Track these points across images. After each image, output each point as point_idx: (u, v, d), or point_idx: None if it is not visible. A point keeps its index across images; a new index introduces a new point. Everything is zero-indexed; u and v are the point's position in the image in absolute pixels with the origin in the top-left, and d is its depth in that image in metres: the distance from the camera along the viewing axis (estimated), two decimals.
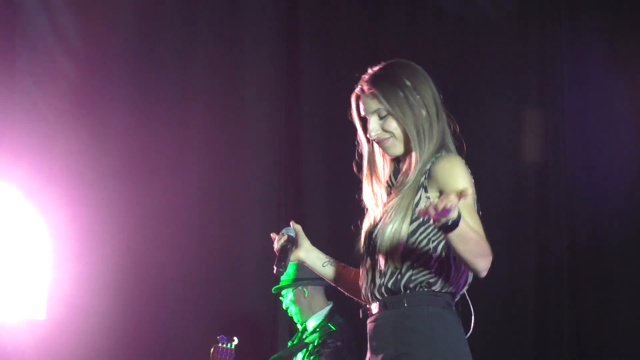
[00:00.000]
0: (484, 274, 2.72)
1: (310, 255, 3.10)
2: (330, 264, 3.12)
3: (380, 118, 2.91)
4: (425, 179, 2.80)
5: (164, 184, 5.66)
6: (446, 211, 2.46)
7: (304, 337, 5.08)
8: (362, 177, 3.03)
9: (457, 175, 2.77)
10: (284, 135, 5.96)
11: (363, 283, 2.90)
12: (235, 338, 4.83)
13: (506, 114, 5.89)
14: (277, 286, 5.14)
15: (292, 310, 5.12)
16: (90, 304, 5.45)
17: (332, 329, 4.96)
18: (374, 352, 2.83)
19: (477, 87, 5.89)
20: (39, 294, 5.41)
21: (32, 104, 5.46)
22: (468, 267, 2.72)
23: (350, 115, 3.04)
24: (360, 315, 2.94)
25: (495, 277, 5.65)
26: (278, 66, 5.97)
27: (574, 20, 5.94)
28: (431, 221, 2.56)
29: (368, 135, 2.94)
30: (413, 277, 2.78)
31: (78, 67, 5.56)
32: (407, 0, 6.06)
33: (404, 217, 2.77)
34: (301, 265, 5.11)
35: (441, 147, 2.86)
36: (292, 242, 3.07)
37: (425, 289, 2.78)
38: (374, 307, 2.86)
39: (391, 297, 2.79)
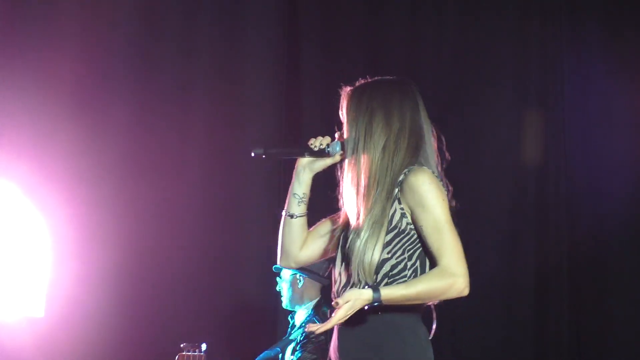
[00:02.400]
0: (464, 293, 2.80)
1: (307, 175, 3.15)
2: (304, 203, 3.16)
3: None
4: (398, 191, 2.86)
5: (163, 183, 5.66)
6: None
7: (291, 332, 5.10)
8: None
9: (425, 192, 2.81)
10: (284, 135, 5.96)
11: (336, 285, 2.96)
12: (204, 344, 4.84)
13: (506, 114, 5.90)
14: (278, 266, 5.16)
15: (284, 293, 5.14)
16: (89, 301, 5.45)
17: (316, 322, 4.98)
18: (341, 355, 2.88)
19: (477, 87, 5.90)
20: (38, 291, 5.41)
21: (32, 102, 5.46)
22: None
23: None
24: (328, 315, 2.98)
25: (495, 277, 5.67)
26: (278, 66, 5.97)
27: (574, 20, 5.94)
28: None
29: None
30: (388, 285, 2.82)
31: (78, 65, 5.56)
32: (408, 1, 6.06)
33: (378, 233, 2.83)
34: None
35: (413, 161, 2.90)
36: (322, 154, 3.08)
37: None
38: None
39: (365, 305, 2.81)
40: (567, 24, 5.95)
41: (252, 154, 3.10)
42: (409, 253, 2.84)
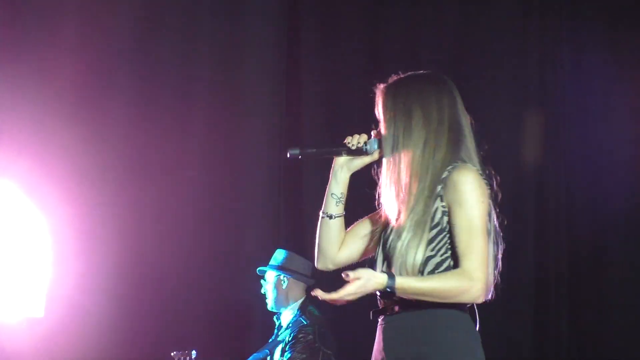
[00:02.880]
0: (478, 301, 2.79)
1: (345, 174, 3.09)
2: (342, 203, 3.11)
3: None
4: (441, 188, 2.82)
5: (163, 183, 5.65)
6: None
7: (279, 333, 5.10)
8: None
9: (467, 191, 2.78)
10: (283, 135, 5.96)
11: None
12: (194, 351, 4.83)
13: (506, 114, 5.89)
14: (263, 268, 5.15)
15: (269, 295, 5.13)
16: (89, 302, 5.44)
17: (303, 322, 4.98)
18: (387, 351, 2.85)
19: (477, 87, 5.89)
20: (37, 291, 5.41)
21: (32, 102, 5.46)
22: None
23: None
24: (371, 316, 2.94)
25: (495, 277, 5.67)
26: (278, 66, 5.96)
27: (574, 20, 5.93)
28: None
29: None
30: None
31: (78, 64, 5.56)
32: (407, 1, 6.06)
33: (422, 233, 2.79)
34: (293, 256, 5.13)
35: (455, 157, 2.86)
36: (360, 153, 3.03)
37: None
38: (390, 308, 2.86)
39: (411, 300, 2.79)
40: (567, 23, 5.94)
41: (288, 155, 3.05)
42: (451, 252, 2.80)
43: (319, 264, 3.13)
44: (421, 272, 2.78)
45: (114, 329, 5.47)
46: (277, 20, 5.99)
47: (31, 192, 5.41)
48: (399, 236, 2.81)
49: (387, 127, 2.94)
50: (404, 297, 2.72)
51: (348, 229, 3.08)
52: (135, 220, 5.56)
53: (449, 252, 2.80)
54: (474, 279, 2.73)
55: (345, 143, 3.06)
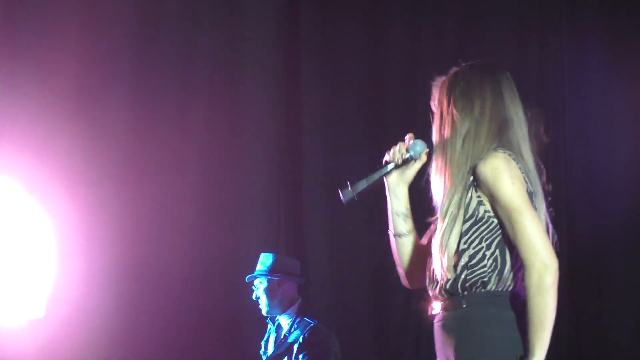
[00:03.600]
0: (553, 272, 2.82)
1: (402, 188, 3.03)
2: (409, 217, 3.02)
3: (435, 114, 2.96)
4: (473, 178, 2.78)
5: (164, 184, 5.65)
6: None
7: (282, 335, 5.08)
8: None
9: (492, 178, 2.73)
10: (283, 135, 5.96)
11: (427, 281, 2.88)
12: None
13: None
14: (252, 275, 5.14)
15: (262, 301, 5.11)
16: (89, 302, 5.44)
17: (310, 322, 4.98)
18: (437, 353, 2.83)
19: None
20: (38, 292, 5.40)
21: (32, 102, 5.45)
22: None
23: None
24: (429, 313, 2.90)
25: None
26: (278, 66, 5.96)
27: (574, 21, 5.94)
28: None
29: None
30: (467, 277, 2.75)
31: (79, 65, 5.55)
32: (408, 1, 6.06)
33: (453, 224, 2.76)
34: (281, 258, 5.12)
35: (493, 147, 2.81)
36: (408, 162, 2.97)
37: (482, 290, 2.75)
38: (437, 307, 2.84)
39: (450, 298, 2.77)
40: (567, 24, 5.95)
41: (344, 202, 3.01)
42: (487, 242, 2.74)
43: (410, 286, 3.04)
44: (455, 267, 2.74)
45: (115, 329, 5.47)
46: (277, 21, 5.99)
47: (31, 192, 5.41)
48: (437, 229, 2.78)
49: (435, 121, 2.92)
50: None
51: (425, 240, 2.97)
52: (136, 220, 5.56)
53: (484, 243, 2.74)
54: (533, 266, 2.70)
55: (388, 161, 3.00)
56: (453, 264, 2.75)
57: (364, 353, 5.77)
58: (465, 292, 2.75)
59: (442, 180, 2.83)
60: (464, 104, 2.86)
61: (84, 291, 5.44)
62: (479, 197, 2.76)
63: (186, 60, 5.82)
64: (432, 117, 2.95)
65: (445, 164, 2.83)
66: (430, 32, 6.04)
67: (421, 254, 2.94)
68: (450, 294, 2.77)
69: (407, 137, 2.99)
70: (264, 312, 5.11)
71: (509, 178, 2.72)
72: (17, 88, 5.42)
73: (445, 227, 2.75)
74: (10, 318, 5.33)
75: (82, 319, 5.41)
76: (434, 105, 2.96)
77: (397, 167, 2.97)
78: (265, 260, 5.12)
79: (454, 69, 2.97)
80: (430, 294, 2.85)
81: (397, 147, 2.99)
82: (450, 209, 2.76)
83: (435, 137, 2.90)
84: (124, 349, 5.49)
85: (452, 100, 2.88)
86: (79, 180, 5.48)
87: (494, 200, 2.72)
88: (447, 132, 2.86)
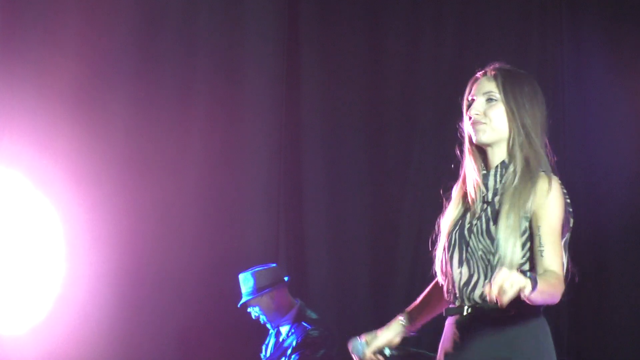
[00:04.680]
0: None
1: (393, 341, 3.04)
2: (407, 322, 3.06)
3: (488, 101, 2.90)
4: (529, 191, 2.79)
5: (164, 184, 5.65)
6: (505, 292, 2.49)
7: (280, 340, 5.09)
8: (464, 164, 2.96)
9: (553, 203, 2.78)
10: (283, 136, 5.96)
11: (452, 283, 2.85)
12: None
13: None
14: (243, 301, 5.15)
15: (264, 318, 5.13)
16: (90, 303, 5.44)
17: (306, 327, 4.99)
18: (463, 349, 2.80)
19: None
20: (38, 292, 5.41)
21: (32, 101, 5.45)
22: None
23: (461, 98, 3.00)
24: (444, 313, 2.91)
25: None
26: (278, 66, 5.96)
27: (574, 20, 5.93)
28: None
29: (468, 114, 2.90)
30: None
31: (79, 65, 5.56)
32: (408, 1, 6.06)
33: (517, 232, 2.76)
34: (260, 272, 5.12)
35: (539, 165, 2.86)
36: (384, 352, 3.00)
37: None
38: (466, 309, 2.82)
39: (496, 304, 2.69)
40: (567, 23, 5.94)
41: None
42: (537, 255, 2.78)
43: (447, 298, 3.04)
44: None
45: (115, 329, 5.47)
46: (277, 21, 5.99)
47: (31, 192, 5.41)
48: (504, 239, 2.75)
49: (498, 117, 2.87)
50: (532, 298, 2.59)
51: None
52: (136, 221, 5.56)
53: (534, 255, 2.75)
54: (562, 280, 2.72)
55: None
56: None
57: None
58: (514, 299, 2.70)
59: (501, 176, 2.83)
60: (528, 109, 2.87)
61: (86, 293, 5.44)
62: (525, 212, 2.77)
63: (186, 60, 5.82)
64: (466, 113, 2.93)
65: (517, 160, 2.83)
66: (430, 32, 6.04)
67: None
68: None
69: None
70: (270, 327, 5.14)
71: (563, 205, 2.80)
72: (21, 84, 5.43)
73: (513, 243, 2.74)
74: (9, 317, 5.33)
75: (85, 321, 5.42)
76: (494, 87, 2.91)
77: (390, 356, 3.01)
78: (247, 282, 5.12)
79: (503, 67, 2.97)
80: (460, 296, 2.83)
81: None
82: (515, 225, 2.76)
83: (495, 122, 2.86)
84: (123, 348, 5.49)
85: (516, 94, 2.88)
86: (78, 181, 5.48)
87: (539, 218, 2.74)
88: (499, 123, 2.85)
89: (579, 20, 5.92)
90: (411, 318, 3.05)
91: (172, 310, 5.63)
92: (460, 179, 2.97)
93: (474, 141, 2.89)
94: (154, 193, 5.63)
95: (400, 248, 5.85)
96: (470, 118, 2.89)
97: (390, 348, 3.01)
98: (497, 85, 2.90)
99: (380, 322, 5.72)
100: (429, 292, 3.06)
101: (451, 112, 5.82)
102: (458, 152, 3.00)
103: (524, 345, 2.75)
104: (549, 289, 2.63)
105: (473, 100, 2.92)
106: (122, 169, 5.59)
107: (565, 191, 2.84)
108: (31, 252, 5.40)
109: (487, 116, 2.87)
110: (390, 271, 5.75)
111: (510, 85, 2.89)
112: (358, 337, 3.03)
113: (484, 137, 2.87)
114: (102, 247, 5.49)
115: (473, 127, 2.88)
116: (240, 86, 5.89)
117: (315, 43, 6.04)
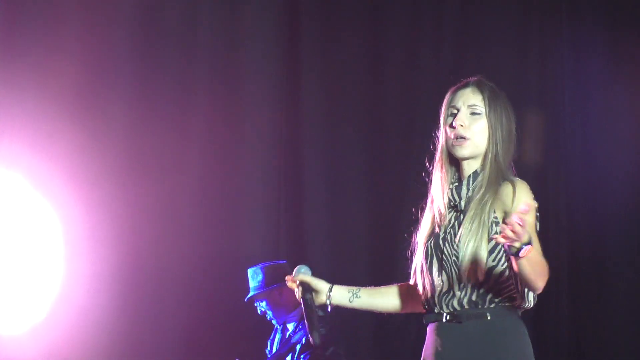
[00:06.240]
0: (539, 291, 2.79)
1: (334, 295, 3.08)
2: (358, 296, 3.12)
3: (472, 114, 2.94)
4: (492, 199, 2.83)
5: (164, 184, 5.66)
6: (519, 236, 2.52)
7: (286, 336, 5.09)
8: (433, 175, 3.00)
9: (524, 200, 2.80)
10: (284, 136, 5.96)
11: (432, 292, 2.89)
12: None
13: None
14: (251, 295, 5.14)
15: (271, 314, 5.13)
16: (90, 303, 5.44)
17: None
18: (444, 356, 2.85)
19: None
20: (38, 292, 5.41)
21: (32, 102, 5.46)
22: (527, 286, 2.77)
23: (443, 106, 3.03)
24: (424, 320, 2.94)
25: None
26: (278, 66, 5.97)
27: (574, 20, 5.93)
28: (504, 247, 2.62)
29: (454, 124, 2.93)
30: (497, 292, 2.80)
31: (79, 65, 5.56)
32: (408, 1, 6.06)
33: (482, 234, 2.79)
34: (269, 267, 5.11)
35: (507, 172, 2.90)
36: (309, 291, 3.01)
37: (507, 304, 2.83)
38: (445, 316, 2.86)
39: (472, 310, 2.81)
40: (567, 23, 5.94)
41: (316, 344, 2.98)
42: (508, 261, 2.80)
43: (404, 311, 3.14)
44: (485, 282, 2.80)
45: (115, 330, 5.47)
46: (278, 20, 5.99)
47: (31, 193, 5.41)
48: (465, 242, 2.80)
49: (480, 131, 2.92)
50: (522, 266, 2.63)
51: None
52: (135, 221, 5.56)
53: (507, 262, 2.78)
54: (547, 269, 2.74)
55: (304, 306, 3.02)
56: (482, 278, 2.79)
57: (364, 351, 5.77)
58: (492, 305, 2.81)
59: (468, 185, 2.89)
60: (507, 124, 2.92)
61: (87, 293, 5.44)
62: (495, 217, 2.82)
63: (186, 61, 5.83)
64: (445, 118, 2.98)
65: (486, 171, 2.88)
66: (430, 32, 6.04)
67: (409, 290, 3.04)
68: (475, 304, 2.81)
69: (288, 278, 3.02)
70: (275, 323, 5.13)
71: (533, 203, 2.82)
72: (20, 86, 5.43)
73: (477, 245, 2.79)
74: (13, 321, 5.33)
75: (85, 321, 5.42)
76: (479, 101, 2.95)
77: (310, 297, 3.00)
78: (255, 276, 5.12)
79: (485, 81, 3.02)
80: (439, 303, 2.86)
81: (295, 290, 3.01)
82: (480, 227, 2.80)
83: (477, 137, 2.91)
84: (123, 349, 5.49)
85: (499, 110, 2.93)
86: (78, 181, 5.49)
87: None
88: (480, 138, 2.91)
89: (579, 20, 5.91)
90: (355, 296, 3.09)
91: (172, 310, 5.63)
92: (432, 192, 3.00)
93: (455, 154, 2.94)
94: (154, 193, 5.63)
95: (400, 248, 5.84)
96: (452, 128, 2.93)
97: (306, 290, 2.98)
98: (483, 100, 2.95)
99: (380, 321, 5.74)
100: (386, 288, 3.15)
101: (450, 111, 5.80)
102: (427, 163, 3.06)
103: (506, 349, 2.81)
104: (539, 264, 2.67)
105: (455, 110, 2.96)
106: (122, 169, 5.60)
107: (532, 196, 2.87)
108: (31, 252, 5.40)
109: (471, 129, 2.91)
110: (390, 271, 5.74)
111: (493, 101, 2.94)
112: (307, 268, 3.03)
113: (466, 152, 2.93)
114: (102, 247, 5.49)
115: (455, 141, 2.93)
116: (240, 86, 5.90)
117: (315, 43, 6.05)
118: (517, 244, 2.55)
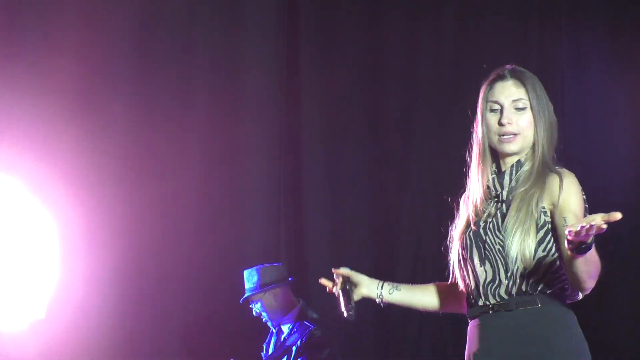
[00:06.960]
0: (587, 292, 2.78)
1: (371, 288, 3.01)
2: (398, 289, 3.02)
3: (517, 110, 2.90)
4: (540, 190, 2.81)
5: (164, 184, 5.66)
6: (591, 232, 2.50)
7: (281, 339, 5.09)
8: (470, 169, 2.96)
9: (573, 194, 2.84)
10: (283, 136, 5.96)
11: (475, 282, 2.82)
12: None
13: None
14: (246, 296, 5.15)
15: (266, 316, 5.13)
16: (90, 303, 5.44)
17: (309, 326, 4.98)
18: (492, 349, 2.77)
19: (477, 87, 5.89)
20: (38, 292, 5.41)
21: (32, 102, 5.46)
22: (577, 285, 2.74)
23: (480, 99, 2.98)
24: (467, 315, 2.87)
25: None
26: (278, 66, 5.97)
27: (574, 20, 5.94)
28: (568, 241, 2.55)
29: (501, 121, 2.88)
30: (548, 282, 2.76)
31: (79, 66, 5.56)
32: (408, 2, 6.06)
33: (530, 224, 2.76)
34: (265, 269, 5.12)
35: (551, 162, 2.91)
36: (349, 283, 2.99)
37: (558, 292, 2.79)
38: (492, 307, 2.79)
39: (522, 298, 2.75)
40: (567, 23, 5.94)
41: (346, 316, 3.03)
42: (558, 252, 2.79)
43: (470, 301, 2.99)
44: (535, 272, 2.76)
45: (116, 329, 5.47)
46: (277, 22, 5.99)
47: (31, 193, 5.41)
48: (513, 231, 2.76)
49: (527, 126, 2.90)
50: (579, 263, 2.61)
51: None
52: (136, 221, 5.56)
53: (557, 253, 2.77)
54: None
55: (341, 290, 3.02)
56: (532, 267, 2.74)
57: (364, 350, 5.78)
58: (542, 293, 2.76)
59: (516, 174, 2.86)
60: (550, 113, 2.94)
61: (86, 293, 5.44)
62: (543, 208, 2.80)
63: (186, 60, 5.83)
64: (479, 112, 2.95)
65: (533, 163, 2.88)
66: (430, 31, 6.04)
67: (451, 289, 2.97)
68: (524, 293, 2.75)
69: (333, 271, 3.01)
70: (271, 325, 5.13)
71: (583, 197, 2.88)
72: (18, 88, 5.43)
73: (524, 236, 2.75)
74: (12, 320, 5.33)
75: (84, 321, 5.42)
76: (523, 95, 2.90)
77: (350, 287, 3.00)
78: (251, 277, 5.12)
79: (521, 69, 2.95)
80: (485, 293, 2.80)
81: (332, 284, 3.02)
82: (528, 216, 2.77)
83: (526, 132, 2.90)
84: (124, 349, 5.49)
85: (541, 101, 2.91)
86: (79, 182, 5.49)
87: (562, 210, 2.78)
88: (527, 132, 2.90)
89: (579, 20, 5.92)
90: (395, 289, 3.02)
91: (172, 310, 5.64)
92: (469, 186, 2.96)
93: (502, 150, 2.90)
94: (153, 195, 5.63)
95: (400, 248, 5.85)
96: (500, 125, 2.88)
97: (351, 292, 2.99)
98: (527, 92, 2.90)
99: (380, 321, 5.75)
100: (425, 285, 3.06)
101: (451, 112, 5.85)
102: (467, 158, 3.00)
103: (557, 337, 2.76)
104: (595, 261, 2.66)
105: (496, 105, 2.92)
106: (122, 170, 5.60)
107: (580, 187, 2.88)
108: (31, 251, 5.40)
109: (518, 125, 2.89)
110: (391, 271, 5.75)
111: (535, 92, 2.90)
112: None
113: (515, 148, 2.90)
114: (101, 247, 5.49)
115: (502, 138, 2.88)
116: (240, 86, 5.90)
117: (315, 42, 6.05)
118: (589, 240, 2.53)
